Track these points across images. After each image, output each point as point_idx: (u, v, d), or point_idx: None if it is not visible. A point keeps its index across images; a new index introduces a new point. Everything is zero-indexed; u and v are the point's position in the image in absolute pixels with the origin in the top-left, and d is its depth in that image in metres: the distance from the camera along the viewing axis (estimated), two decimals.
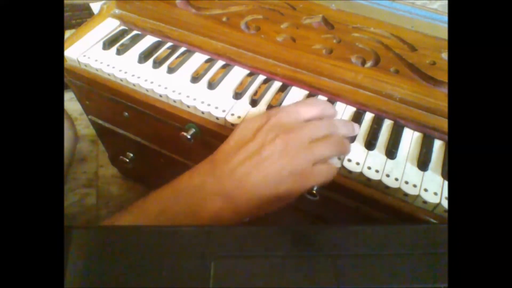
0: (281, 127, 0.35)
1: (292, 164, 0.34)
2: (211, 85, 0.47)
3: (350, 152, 0.40)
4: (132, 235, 0.25)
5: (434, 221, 0.37)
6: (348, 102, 0.45)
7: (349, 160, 0.39)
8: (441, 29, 0.47)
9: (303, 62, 0.47)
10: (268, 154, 0.33)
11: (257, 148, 0.34)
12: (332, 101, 0.45)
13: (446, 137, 0.42)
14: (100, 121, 0.63)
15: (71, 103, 0.93)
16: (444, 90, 0.43)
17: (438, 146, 0.41)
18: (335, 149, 0.37)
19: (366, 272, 0.22)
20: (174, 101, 0.46)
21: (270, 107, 0.44)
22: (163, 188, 0.35)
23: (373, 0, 0.50)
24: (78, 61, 0.51)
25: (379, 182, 0.38)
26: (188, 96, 0.46)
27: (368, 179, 0.38)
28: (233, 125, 0.43)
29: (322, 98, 0.46)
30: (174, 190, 0.35)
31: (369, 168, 0.39)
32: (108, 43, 0.52)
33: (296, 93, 0.47)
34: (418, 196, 0.37)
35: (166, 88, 0.47)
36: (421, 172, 0.39)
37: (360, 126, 0.43)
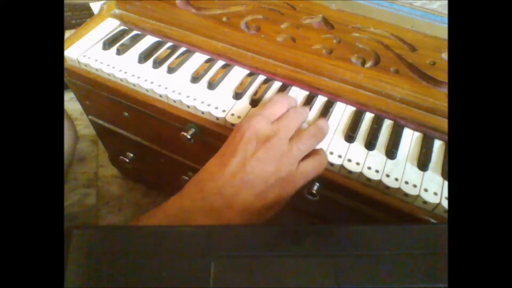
0: (257, 137, 0.35)
1: (277, 172, 0.34)
2: (211, 85, 0.47)
3: (350, 152, 0.40)
4: (132, 235, 0.25)
5: (434, 221, 0.37)
6: (348, 102, 0.45)
7: (349, 160, 0.39)
8: (441, 29, 0.47)
9: (303, 62, 0.47)
10: (251, 168, 0.34)
11: (240, 164, 0.34)
12: (332, 101, 0.45)
13: (446, 137, 0.42)
14: (100, 121, 0.63)
15: (71, 103, 0.93)
16: (444, 90, 0.43)
17: (438, 146, 0.41)
18: (314, 140, 0.38)
19: (366, 272, 0.22)
20: (174, 101, 0.46)
21: None
22: (154, 211, 0.35)
23: (373, 0, 0.50)
24: (78, 61, 0.51)
25: (379, 182, 0.38)
26: (188, 96, 0.46)
27: (368, 179, 0.38)
28: (233, 125, 0.43)
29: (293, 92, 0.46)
30: (165, 214, 0.35)
31: (369, 168, 0.39)
32: (108, 43, 0.52)
33: (296, 93, 0.47)
34: (418, 196, 0.37)
35: (166, 88, 0.47)
36: (421, 172, 0.39)
37: (359, 124, 0.43)
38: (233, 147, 0.35)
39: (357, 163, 0.39)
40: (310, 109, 0.44)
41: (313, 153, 0.38)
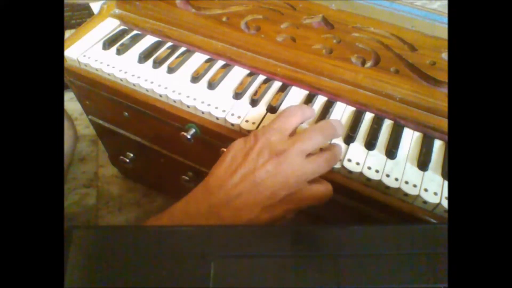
0: (271, 148, 0.34)
1: (286, 187, 0.33)
2: (211, 85, 0.47)
3: (350, 152, 0.40)
4: (132, 235, 0.25)
5: (434, 221, 0.37)
6: (348, 102, 0.45)
7: (349, 160, 0.39)
8: (441, 29, 0.47)
9: (303, 62, 0.47)
10: (261, 180, 0.33)
11: (250, 173, 0.34)
12: (332, 101, 0.45)
13: (446, 137, 0.42)
14: (100, 121, 0.63)
15: (71, 103, 0.93)
16: (444, 90, 0.43)
17: (438, 146, 0.41)
18: (327, 165, 0.37)
19: (366, 272, 0.22)
20: (174, 101, 0.46)
21: (270, 107, 0.44)
22: (159, 216, 0.35)
23: (373, 0, 0.50)
24: (78, 61, 0.51)
25: (379, 182, 0.38)
26: (188, 96, 0.46)
27: (368, 179, 0.38)
28: (233, 125, 0.43)
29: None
30: (171, 219, 0.35)
31: (369, 168, 0.39)
32: (108, 43, 0.52)
33: (296, 93, 0.47)
34: (418, 196, 0.37)
35: (166, 88, 0.47)
36: (421, 172, 0.39)
37: (359, 125, 0.43)
38: (245, 155, 0.35)
39: (357, 163, 0.39)
40: None
41: (320, 180, 0.37)
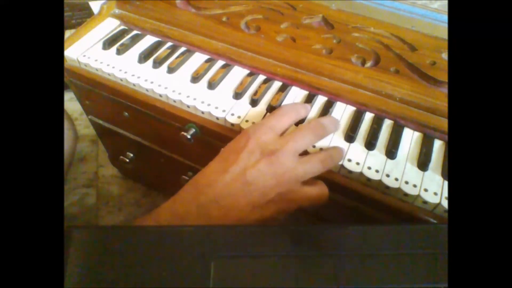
0: (262, 148, 0.34)
1: (278, 187, 0.33)
2: (211, 85, 0.47)
3: (350, 152, 0.40)
4: (132, 235, 0.25)
5: (434, 221, 0.37)
6: (348, 102, 0.45)
7: (349, 160, 0.39)
8: (441, 29, 0.47)
9: (303, 62, 0.47)
10: (252, 179, 0.33)
11: (241, 172, 0.33)
12: (332, 101, 0.45)
13: (446, 137, 0.42)
14: (100, 121, 0.63)
15: (71, 103, 0.93)
16: (444, 90, 0.43)
17: (438, 146, 0.41)
18: (322, 166, 0.36)
19: (366, 272, 0.22)
20: (174, 101, 0.46)
21: (270, 107, 0.44)
22: (145, 218, 0.34)
23: (373, 0, 0.50)
24: (78, 61, 0.51)
25: (379, 182, 0.38)
26: (188, 96, 0.46)
27: (368, 179, 0.38)
28: (233, 125, 0.43)
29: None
30: (156, 221, 0.34)
31: (369, 168, 0.39)
32: (108, 43, 0.52)
33: (296, 93, 0.47)
34: (418, 196, 0.37)
35: (166, 88, 0.47)
36: (421, 172, 0.39)
37: (359, 126, 0.43)
38: (236, 154, 0.34)
39: (357, 163, 0.39)
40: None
41: (315, 181, 0.37)
